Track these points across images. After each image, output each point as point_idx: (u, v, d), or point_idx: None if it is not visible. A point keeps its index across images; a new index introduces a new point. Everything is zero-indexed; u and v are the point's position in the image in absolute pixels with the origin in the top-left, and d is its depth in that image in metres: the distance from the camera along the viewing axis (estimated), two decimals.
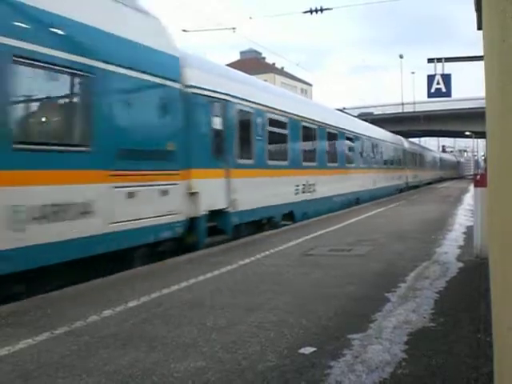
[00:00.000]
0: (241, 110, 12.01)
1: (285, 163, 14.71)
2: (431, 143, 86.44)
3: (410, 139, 49.91)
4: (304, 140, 16.18)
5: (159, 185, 8.88)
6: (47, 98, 7.30)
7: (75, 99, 7.57)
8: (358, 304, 5.70)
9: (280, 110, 14.37)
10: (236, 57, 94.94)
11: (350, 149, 22.17)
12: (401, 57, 72.56)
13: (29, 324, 5.21)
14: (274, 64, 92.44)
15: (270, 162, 13.63)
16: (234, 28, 22.17)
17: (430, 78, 15.96)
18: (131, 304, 5.89)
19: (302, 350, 4.26)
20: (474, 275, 7.05)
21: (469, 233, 10.89)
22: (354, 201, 21.85)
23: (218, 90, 10.95)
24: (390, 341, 4.42)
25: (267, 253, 9.38)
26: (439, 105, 50.51)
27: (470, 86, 71.12)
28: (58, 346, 4.52)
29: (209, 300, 6.03)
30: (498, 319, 2.69)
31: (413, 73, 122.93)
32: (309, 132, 16.61)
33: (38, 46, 6.57)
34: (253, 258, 8.82)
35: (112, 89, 7.93)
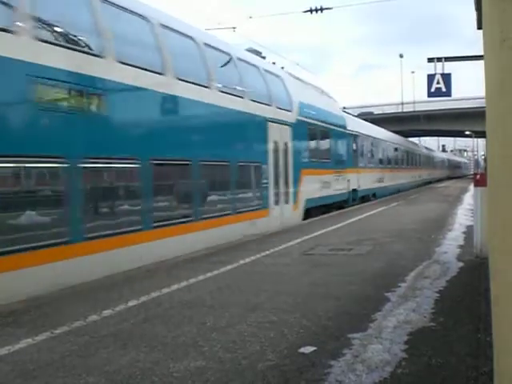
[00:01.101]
0: (361, 138, 24.16)
1: (373, 165, 26.83)
2: (431, 143, 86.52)
3: (410, 139, 50.24)
4: (379, 151, 29.22)
5: (341, 175, 20.13)
6: (321, 143, 18.29)
7: (326, 142, 18.78)
8: (358, 303, 5.70)
9: (371, 136, 27.05)
10: None
11: (396, 155, 34.99)
12: (401, 56, 72.27)
13: (28, 324, 5.21)
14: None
15: (369, 165, 25.74)
16: (234, 27, 22.00)
17: (430, 78, 15.92)
18: (131, 303, 5.89)
19: (302, 350, 4.26)
20: (474, 275, 7.05)
21: (469, 232, 10.89)
22: (397, 190, 32.33)
23: (355, 130, 23.23)
24: (390, 340, 4.42)
25: (267, 252, 9.39)
26: (439, 104, 50.43)
27: (470, 86, 71.13)
28: (58, 346, 4.52)
29: (209, 299, 6.03)
30: (497, 319, 2.69)
31: (413, 72, 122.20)
32: (381, 146, 29.90)
33: (320, 122, 17.64)
34: (253, 258, 8.82)
35: (331, 136, 19.19)
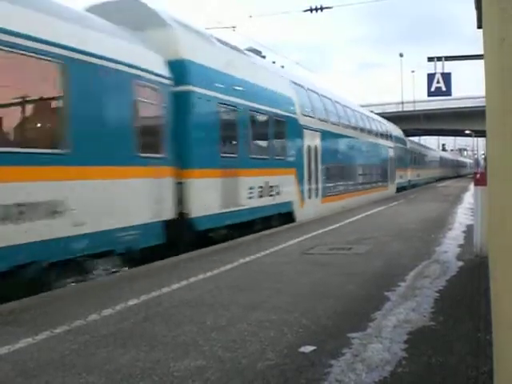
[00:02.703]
0: (410, 150, 40.23)
1: (416, 166, 42.10)
2: (431, 142, 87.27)
3: (411, 138, 50.61)
4: (418, 157, 44.75)
5: (405, 171, 36.51)
6: (399, 154, 35.04)
7: (401, 154, 35.73)
8: (357, 303, 5.71)
9: (415, 148, 44.62)
10: None
11: (426, 159, 50.34)
12: (401, 55, 72.26)
13: (29, 323, 5.22)
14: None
15: (414, 166, 41.34)
16: (234, 27, 22.07)
17: (430, 77, 15.93)
18: (131, 303, 5.89)
19: (302, 349, 4.26)
20: (474, 274, 7.05)
21: (469, 231, 10.89)
22: (427, 182, 46.95)
23: (409, 146, 40.19)
24: (390, 339, 4.42)
25: (267, 251, 9.39)
26: (439, 103, 50.50)
27: (471, 85, 71.34)
28: (58, 345, 4.52)
29: (209, 299, 6.03)
30: (497, 318, 2.69)
31: (413, 71, 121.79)
32: (419, 154, 46.03)
33: (399, 144, 36.73)
34: (253, 257, 8.82)
35: (402, 150, 36.20)
